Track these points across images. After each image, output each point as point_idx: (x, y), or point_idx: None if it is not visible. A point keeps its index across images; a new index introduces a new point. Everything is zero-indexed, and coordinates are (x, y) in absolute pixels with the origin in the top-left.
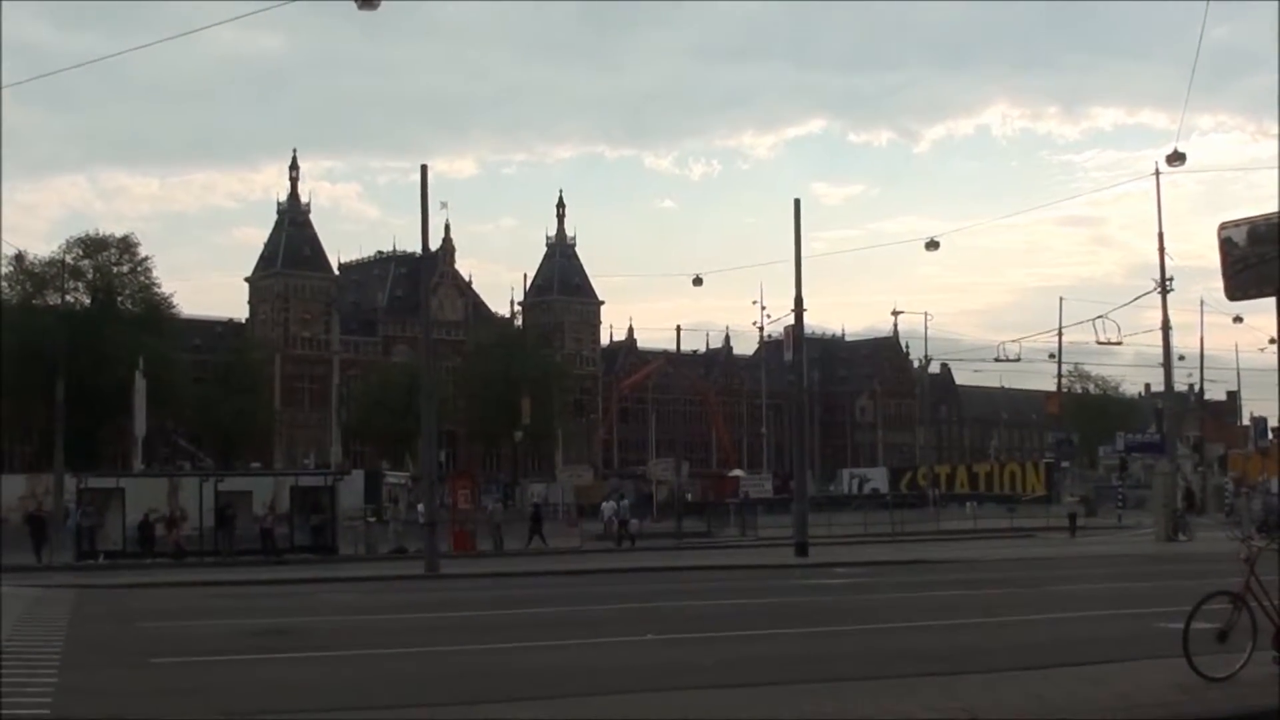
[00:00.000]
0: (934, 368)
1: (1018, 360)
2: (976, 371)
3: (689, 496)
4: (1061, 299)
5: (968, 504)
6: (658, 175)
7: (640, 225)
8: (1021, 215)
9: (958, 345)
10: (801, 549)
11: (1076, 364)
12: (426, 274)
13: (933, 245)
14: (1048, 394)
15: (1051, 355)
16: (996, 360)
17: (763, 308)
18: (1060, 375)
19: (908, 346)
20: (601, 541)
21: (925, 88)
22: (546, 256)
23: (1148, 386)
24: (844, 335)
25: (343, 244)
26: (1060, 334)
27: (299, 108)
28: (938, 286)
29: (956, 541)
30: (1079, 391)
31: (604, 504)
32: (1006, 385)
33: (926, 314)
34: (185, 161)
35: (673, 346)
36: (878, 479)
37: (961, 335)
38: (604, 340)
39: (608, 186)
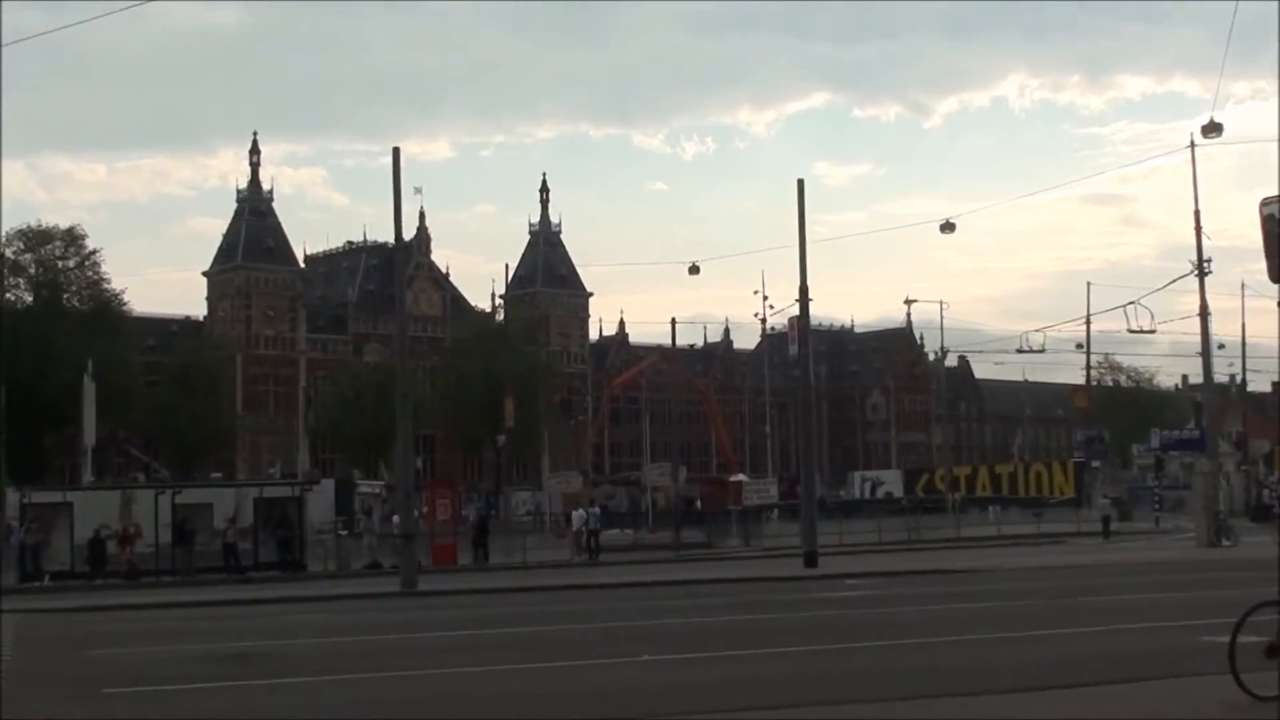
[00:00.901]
0: (951, 360)
1: (1042, 351)
2: (998, 364)
3: (698, 504)
4: (1089, 284)
5: (990, 508)
6: (648, 155)
7: (630, 210)
8: (1043, 194)
9: (977, 336)
10: (810, 559)
11: (1107, 355)
12: (400, 265)
13: (947, 228)
14: (1075, 388)
15: (1079, 345)
16: (1019, 351)
17: (765, 298)
18: (1089, 367)
19: (922, 338)
20: (578, 554)
21: (936, 57)
22: (529, 245)
23: (1185, 378)
24: (853, 327)
25: (308, 234)
26: (1088, 322)
27: (258, 87)
28: (953, 273)
29: (978, 549)
30: (1110, 384)
31: (574, 513)
32: (1030, 379)
33: (942, 302)
34: (135, 146)
35: (668, 341)
36: (892, 482)
37: (980, 325)
38: (593, 335)
39: (594, 168)
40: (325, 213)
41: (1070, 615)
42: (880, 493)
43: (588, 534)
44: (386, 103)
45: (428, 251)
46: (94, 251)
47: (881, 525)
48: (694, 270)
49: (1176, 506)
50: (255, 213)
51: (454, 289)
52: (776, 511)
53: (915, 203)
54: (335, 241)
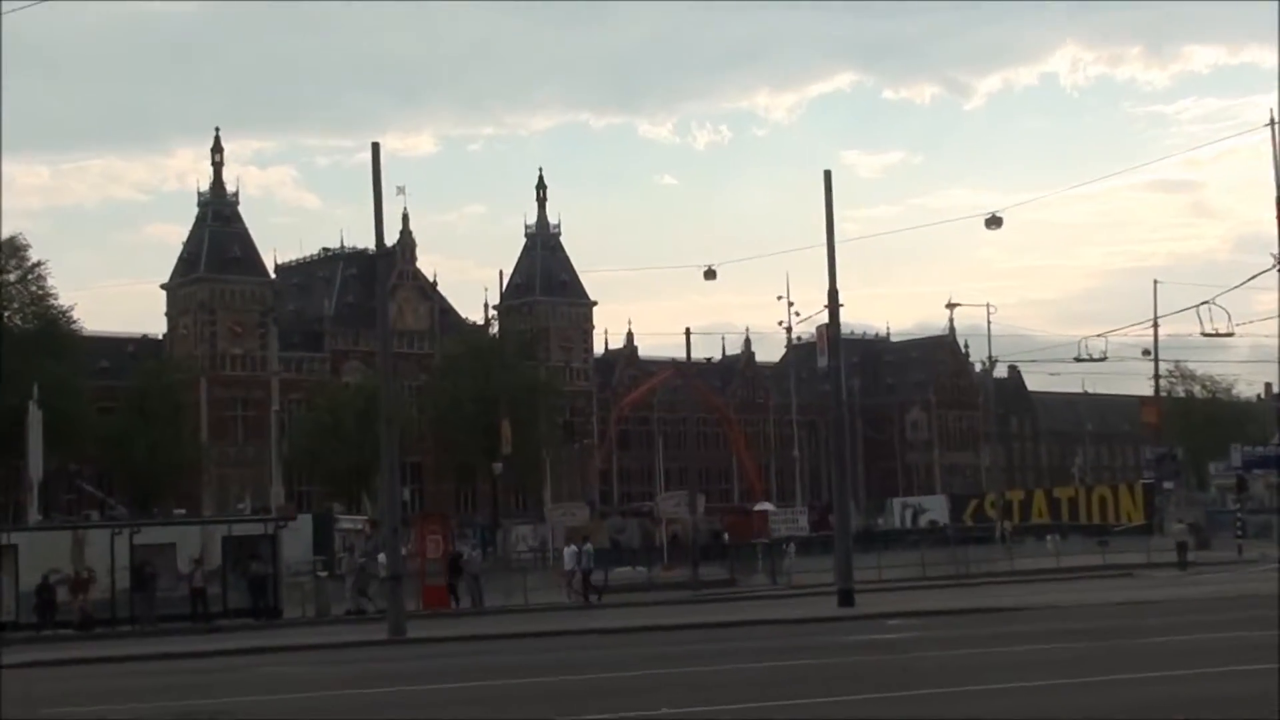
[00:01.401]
0: (1000, 371)
1: (1103, 359)
2: (1053, 375)
3: (725, 537)
4: (1156, 282)
5: (1048, 537)
6: (655, 146)
7: (637, 208)
8: (1101, 182)
9: (1028, 343)
10: (845, 597)
11: (1177, 362)
12: (382, 274)
13: (993, 222)
14: (1143, 400)
15: (1146, 352)
16: (1077, 360)
17: (790, 304)
18: (1158, 376)
19: (967, 346)
20: (570, 597)
21: (976, 30)
22: (526, 249)
23: (1268, 387)
24: (889, 335)
25: (279, 241)
26: (1156, 325)
27: (220, 77)
28: (1001, 272)
29: (1036, 584)
30: (1182, 395)
31: (565, 551)
32: (1091, 390)
33: (988, 306)
34: (81, 145)
35: (681, 354)
36: (936, 509)
37: (1033, 331)
38: (598, 348)
39: (595, 162)
40: (297, 217)
41: (1142, 658)
42: (923, 521)
43: (582, 575)
44: (363, 93)
45: (413, 258)
46: (38, 264)
47: (925, 558)
48: (709, 274)
49: (1262, 532)
50: (219, 218)
51: (442, 299)
52: (792, 546)
53: (956, 195)
54: (309, 249)
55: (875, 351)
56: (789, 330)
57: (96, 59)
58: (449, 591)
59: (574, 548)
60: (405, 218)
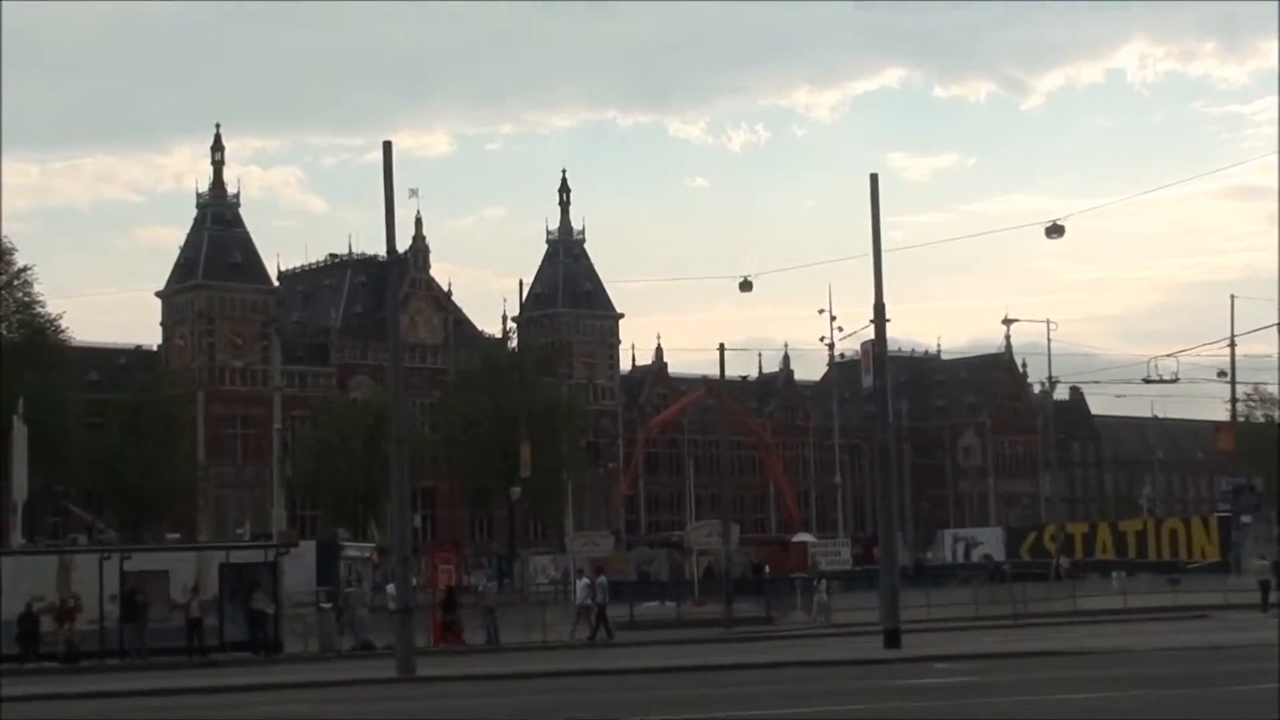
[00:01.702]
0: (1061, 393)
1: (1174, 381)
2: (1119, 397)
3: (766, 569)
4: (1232, 297)
5: (1113, 574)
6: (686, 147)
7: (667, 213)
8: (1172, 188)
9: (1092, 362)
10: (892, 638)
11: (1256, 384)
12: (393, 283)
13: (1054, 231)
14: (1217, 425)
15: (1222, 373)
16: (1146, 381)
17: (832, 318)
18: (1234, 399)
19: (1025, 365)
20: (581, 634)
21: (1036, 23)
22: (547, 257)
23: None
24: (940, 352)
25: (283, 247)
26: (1232, 344)
27: (220, 71)
28: (1062, 285)
29: (1100, 625)
30: (1260, 420)
31: (578, 584)
32: (1161, 414)
33: (1048, 322)
34: (72, 142)
35: (714, 371)
36: (990, 542)
37: (1097, 349)
38: (625, 365)
39: (622, 164)
40: (302, 220)
41: (1219, 707)
42: (976, 555)
43: (595, 610)
44: (373, 88)
45: (426, 266)
46: (25, 269)
47: (978, 596)
48: (745, 286)
49: None
50: (219, 221)
51: (457, 310)
52: (824, 583)
53: (1013, 201)
54: (315, 255)
55: (925, 370)
56: (831, 346)
57: (88, 51)
58: (443, 628)
59: (586, 580)
60: (418, 222)
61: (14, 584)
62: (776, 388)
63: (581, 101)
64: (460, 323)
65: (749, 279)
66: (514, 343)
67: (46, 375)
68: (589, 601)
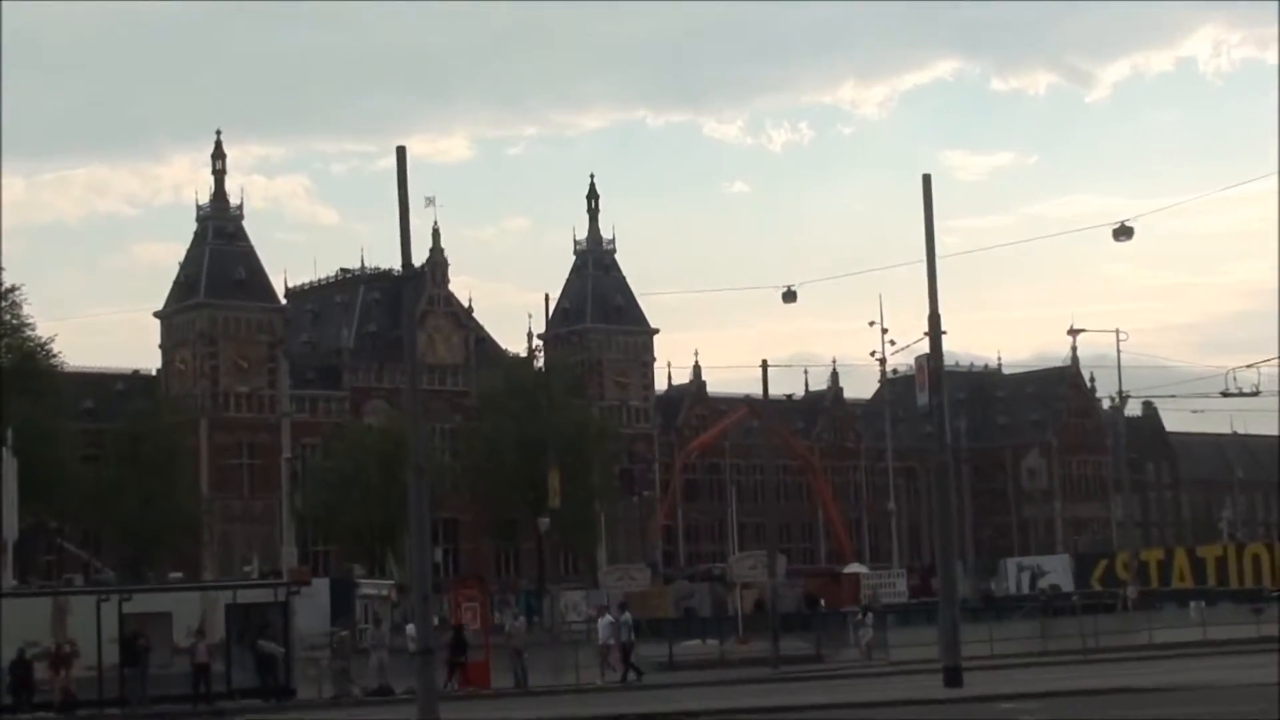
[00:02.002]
0: (1133, 408)
1: (1255, 394)
2: (1196, 413)
3: (822, 603)
4: None
5: (1192, 604)
6: (723, 148)
7: (703, 220)
8: (1250, 185)
9: (1166, 375)
10: (953, 676)
11: None
12: (410, 299)
13: (1123, 233)
14: None
15: None
16: (1224, 395)
17: (883, 330)
18: None
19: (1093, 379)
20: (605, 676)
21: (1100, 9)
22: (575, 269)
23: None
24: (1000, 366)
25: (290, 261)
26: None
27: (220, 74)
28: (1132, 292)
29: (1178, 660)
30: None
31: (599, 622)
32: (1241, 430)
33: (1118, 332)
34: (61, 152)
35: (757, 390)
36: (1058, 571)
37: (1171, 360)
38: (660, 384)
39: (654, 167)
40: (311, 233)
41: None
42: (1043, 585)
43: (621, 648)
44: (385, 90)
45: (444, 280)
46: (13, 289)
47: (1046, 629)
48: (789, 297)
49: None
50: (221, 235)
51: (479, 328)
52: (869, 617)
53: (1077, 201)
54: (325, 270)
55: (985, 386)
56: (883, 362)
57: (76, 53)
58: (449, 670)
59: (609, 618)
60: (435, 233)
61: (5, 629)
62: (824, 407)
63: (609, 101)
64: (482, 341)
65: (793, 289)
66: (540, 362)
67: (37, 403)
68: (611, 641)
